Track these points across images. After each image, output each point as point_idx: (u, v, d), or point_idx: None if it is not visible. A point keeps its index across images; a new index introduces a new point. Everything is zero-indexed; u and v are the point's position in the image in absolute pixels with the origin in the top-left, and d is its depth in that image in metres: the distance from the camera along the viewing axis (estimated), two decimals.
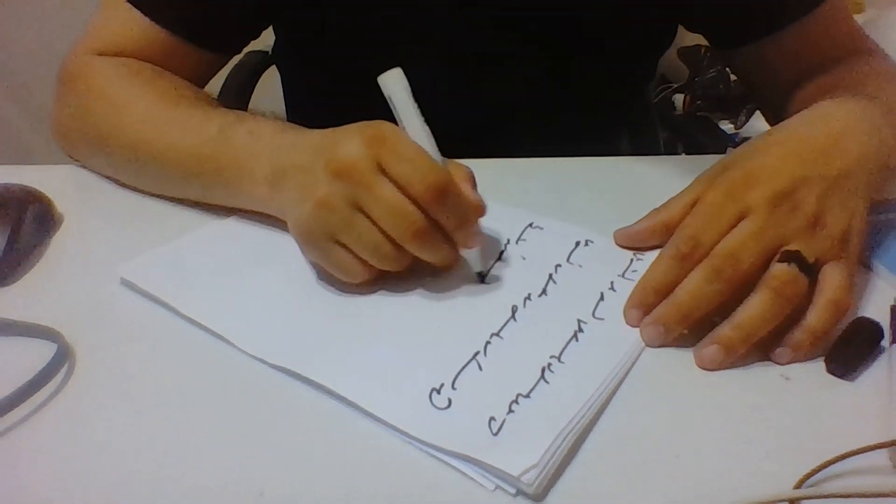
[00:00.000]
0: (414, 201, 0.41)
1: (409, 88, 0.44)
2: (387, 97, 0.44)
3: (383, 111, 0.44)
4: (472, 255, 0.46)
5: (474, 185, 0.46)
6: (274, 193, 0.47)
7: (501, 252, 0.50)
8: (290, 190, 0.45)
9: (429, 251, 0.43)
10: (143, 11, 0.59)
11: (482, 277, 0.47)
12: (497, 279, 0.47)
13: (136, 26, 0.60)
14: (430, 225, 0.42)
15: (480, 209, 0.45)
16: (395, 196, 0.41)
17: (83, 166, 0.61)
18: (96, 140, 0.58)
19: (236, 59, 1.01)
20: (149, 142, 0.54)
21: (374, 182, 0.41)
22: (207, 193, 0.53)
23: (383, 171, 0.42)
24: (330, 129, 0.45)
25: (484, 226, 0.52)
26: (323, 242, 0.43)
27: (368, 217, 0.42)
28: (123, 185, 0.59)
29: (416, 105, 0.44)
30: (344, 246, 0.43)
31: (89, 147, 0.59)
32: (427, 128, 0.44)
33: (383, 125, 0.43)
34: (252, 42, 0.71)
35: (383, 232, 0.42)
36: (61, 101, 0.61)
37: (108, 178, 0.60)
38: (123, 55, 0.60)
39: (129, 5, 0.59)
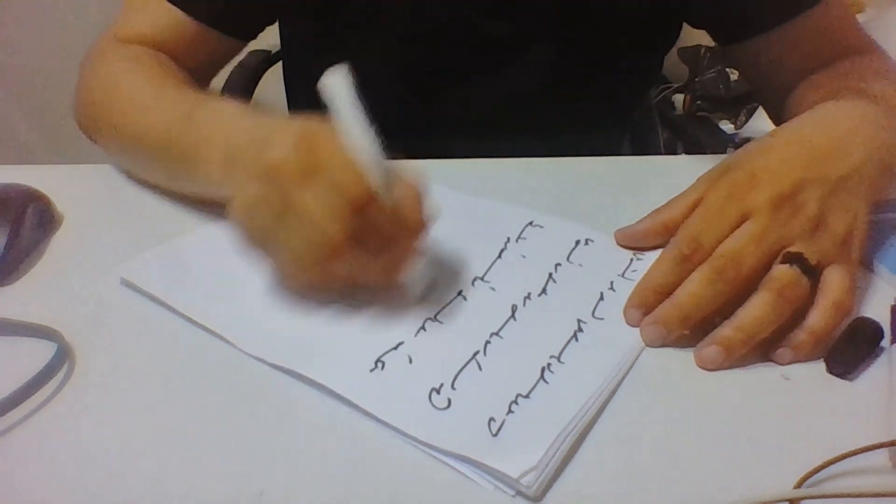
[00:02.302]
0: (337, 212, 0.39)
1: (352, 89, 0.40)
2: (327, 100, 0.40)
3: (386, 107, 0.43)
4: (410, 279, 0.42)
5: (421, 203, 0.42)
6: (225, 179, 0.45)
7: (502, 250, 0.50)
8: (236, 180, 0.43)
9: (353, 266, 0.41)
10: None
11: (422, 300, 0.43)
12: (496, 279, 0.47)
13: (156, 11, 0.62)
14: (352, 238, 0.39)
15: (422, 225, 0.41)
16: (315, 204, 0.38)
17: (83, 164, 0.61)
18: (96, 122, 0.60)
19: (237, 59, 1.01)
20: (130, 124, 0.55)
21: (296, 187, 0.39)
22: (174, 178, 0.54)
23: (309, 177, 0.39)
24: (276, 122, 0.43)
25: (483, 224, 0.52)
26: (253, 244, 0.42)
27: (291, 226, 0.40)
28: (123, 185, 0.59)
29: (359, 108, 0.40)
30: (270, 250, 0.42)
31: (92, 128, 0.61)
32: (371, 134, 0.40)
33: (320, 127, 0.40)
34: (253, 42, 0.71)
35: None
36: (77, 85, 0.63)
37: (107, 178, 0.60)
38: (143, 41, 0.62)
39: None
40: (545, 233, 0.52)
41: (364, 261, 0.41)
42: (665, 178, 0.52)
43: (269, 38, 0.85)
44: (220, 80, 0.94)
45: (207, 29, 0.63)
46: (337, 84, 0.40)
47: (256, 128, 0.44)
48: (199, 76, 0.63)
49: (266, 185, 0.40)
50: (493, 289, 0.46)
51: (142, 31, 0.62)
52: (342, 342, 0.42)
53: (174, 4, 0.62)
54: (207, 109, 0.50)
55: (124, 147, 0.58)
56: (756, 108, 1.60)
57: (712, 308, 0.42)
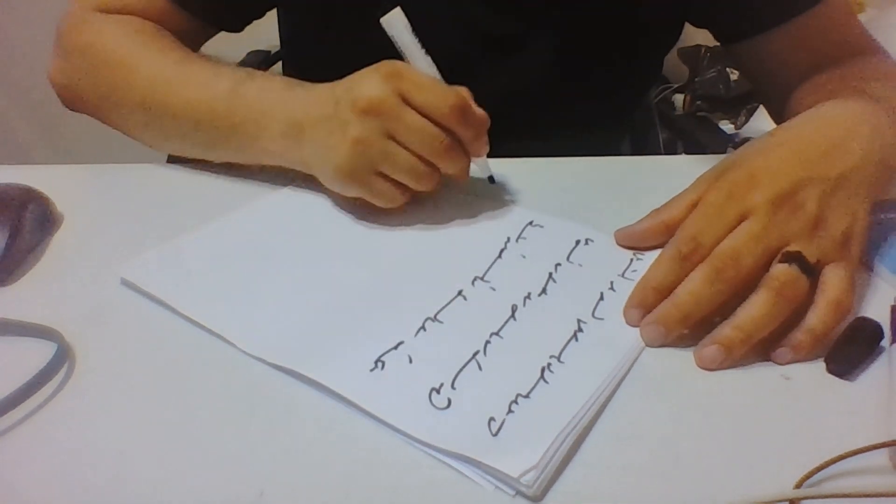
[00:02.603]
0: (437, 123, 0.47)
1: (409, 26, 0.49)
2: (390, 36, 0.49)
3: None
4: (481, 163, 0.54)
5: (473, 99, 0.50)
6: (292, 147, 0.51)
7: (502, 250, 0.50)
8: (314, 142, 0.50)
9: (454, 164, 0.50)
10: None
11: (492, 180, 0.55)
12: (496, 279, 0.47)
13: None
14: (453, 140, 0.48)
15: (487, 120, 0.50)
16: (423, 121, 0.47)
17: (83, 164, 0.61)
18: (102, 96, 0.59)
19: (237, 59, 1.02)
20: (160, 98, 0.56)
21: (401, 113, 0.46)
22: (219, 149, 0.56)
23: (406, 102, 0.46)
24: (338, 81, 0.50)
25: (484, 224, 0.52)
26: (365, 176, 0.49)
27: (401, 145, 0.47)
28: (123, 185, 0.59)
29: (417, 40, 0.49)
30: (381, 175, 0.48)
31: (96, 101, 0.60)
32: (430, 58, 0.50)
33: (394, 62, 0.48)
34: (253, 42, 0.71)
35: (416, 155, 0.48)
36: (61, 55, 0.62)
37: (107, 178, 0.60)
38: (121, 12, 0.62)
39: None
40: (545, 233, 0.52)
41: (460, 157, 0.50)
42: (665, 178, 0.52)
43: (269, 38, 0.85)
44: None
45: (186, 14, 0.63)
46: (398, 21, 0.49)
47: (317, 94, 0.50)
48: None
49: (371, 120, 0.46)
50: (494, 289, 0.46)
51: (122, 3, 0.62)
52: (342, 342, 0.42)
53: None
54: (254, 85, 0.54)
55: (150, 122, 0.58)
56: (756, 108, 1.60)
57: (712, 307, 0.42)
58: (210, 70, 0.56)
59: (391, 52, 0.49)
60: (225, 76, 0.55)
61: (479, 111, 0.49)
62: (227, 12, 0.66)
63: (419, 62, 0.50)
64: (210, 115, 0.54)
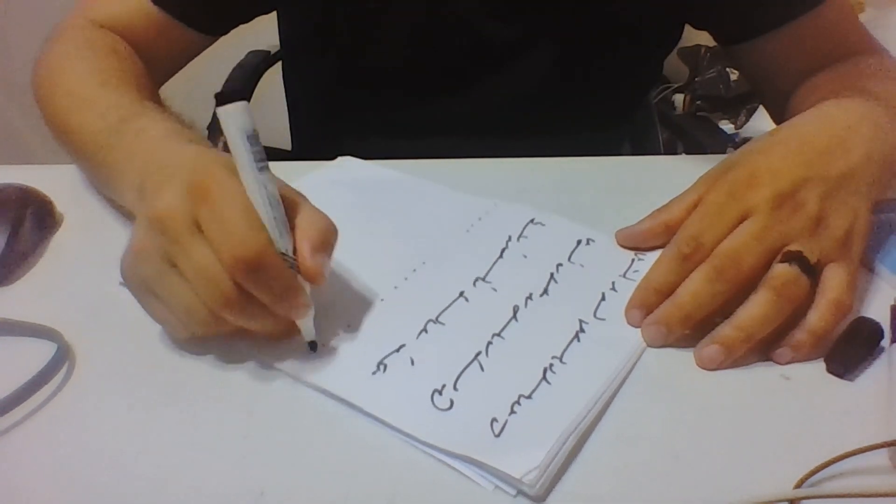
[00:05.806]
0: (228, 268, 0.36)
1: (246, 127, 0.37)
2: (225, 134, 0.37)
3: (386, 107, 0.43)
4: (304, 325, 0.40)
5: (326, 246, 0.39)
6: (138, 205, 0.42)
7: (503, 250, 0.50)
8: (138, 213, 0.41)
9: (247, 321, 0.38)
10: None
11: (314, 347, 0.41)
12: (497, 279, 0.47)
13: None
14: (246, 294, 0.37)
15: (315, 277, 0.38)
16: (207, 259, 0.36)
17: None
18: (41, 103, 0.59)
19: (237, 59, 1.01)
20: (66, 117, 0.54)
21: (186, 242, 0.36)
22: (99, 183, 0.54)
23: (200, 229, 0.37)
24: (182, 158, 0.41)
25: (485, 222, 0.52)
26: (139, 289, 0.39)
27: (183, 276, 0.37)
28: None
29: (253, 148, 0.37)
30: (159, 298, 0.39)
31: (40, 106, 0.60)
32: (265, 175, 0.37)
33: (215, 174, 0.37)
34: (253, 42, 0.71)
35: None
36: (38, 55, 0.62)
37: None
38: (112, 23, 0.62)
39: None
40: (547, 231, 0.52)
41: (256, 313, 0.38)
42: (665, 178, 0.52)
43: (269, 38, 0.85)
44: (219, 81, 0.94)
45: (170, 18, 0.63)
46: (235, 118, 0.37)
47: (173, 159, 0.42)
48: (163, 66, 0.62)
49: (154, 234, 0.37)
50: (495, 289, 0.46)
51: (110, 13, 0.62)
52: (343, 346, 0.42)
53: None
54: (135, 126, 0.48)
55: (59, 137, 0.57)
56: (756, 108, 1.60)
57: (713, 307, 0.42)
58: (114, 98, 0.52)
59: (390, 51, 0.47)
60: (121, 108, 0.50)
61: (311, 267, 0.38)
62: (205, 14, 0.65)
63: (247, 177, 0.37)
64: (93, 146, 0.50)
